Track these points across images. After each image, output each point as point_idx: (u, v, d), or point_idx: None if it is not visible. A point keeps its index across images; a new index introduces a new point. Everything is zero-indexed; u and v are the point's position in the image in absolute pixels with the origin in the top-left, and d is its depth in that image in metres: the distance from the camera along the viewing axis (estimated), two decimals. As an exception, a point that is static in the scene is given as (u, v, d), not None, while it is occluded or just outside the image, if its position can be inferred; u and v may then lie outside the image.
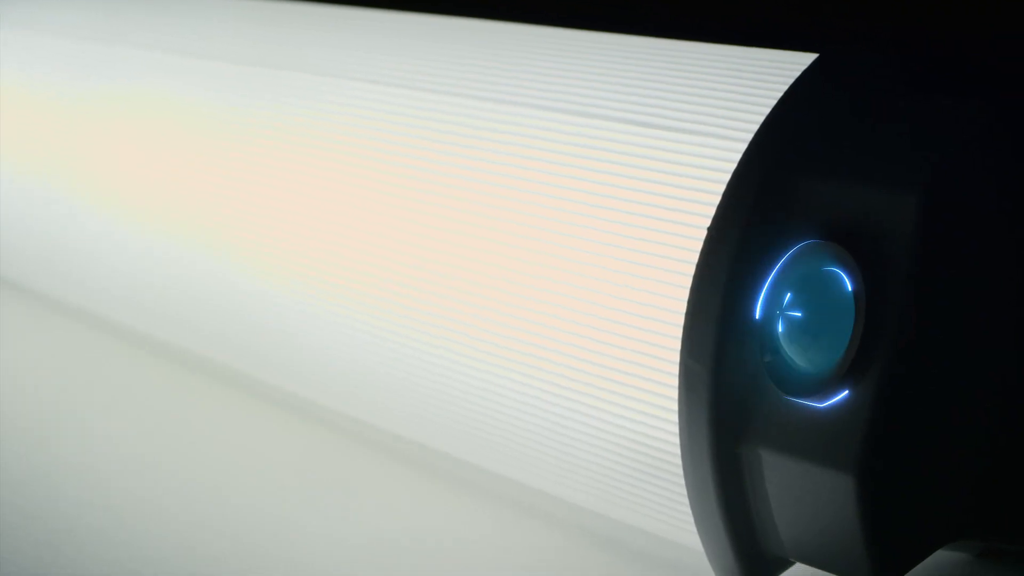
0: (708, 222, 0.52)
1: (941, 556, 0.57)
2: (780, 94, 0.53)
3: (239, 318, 0.69)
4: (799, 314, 0.50)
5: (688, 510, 0.54)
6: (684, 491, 0.54)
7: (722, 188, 0.52)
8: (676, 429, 0.53)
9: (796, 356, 0.50)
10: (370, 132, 0.63)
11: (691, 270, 0.52)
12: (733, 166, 0.52)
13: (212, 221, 0.69)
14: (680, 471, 0.54)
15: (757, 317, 0.51)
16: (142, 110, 0.74)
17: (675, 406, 0.53)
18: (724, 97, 0.55)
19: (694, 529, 0.54)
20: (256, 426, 0.71)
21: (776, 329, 0.51)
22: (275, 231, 0.66)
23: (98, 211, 0.76)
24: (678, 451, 0.53)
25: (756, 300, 0.51)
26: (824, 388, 0.50)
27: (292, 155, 0.66)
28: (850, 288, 0.50)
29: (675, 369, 0.53)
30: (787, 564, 0.55)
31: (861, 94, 0.54)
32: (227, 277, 0.68)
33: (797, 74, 0.54)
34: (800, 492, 0.51)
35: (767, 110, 0.53)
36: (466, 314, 0.59)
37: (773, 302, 0.51)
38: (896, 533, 0.51)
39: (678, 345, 0.52)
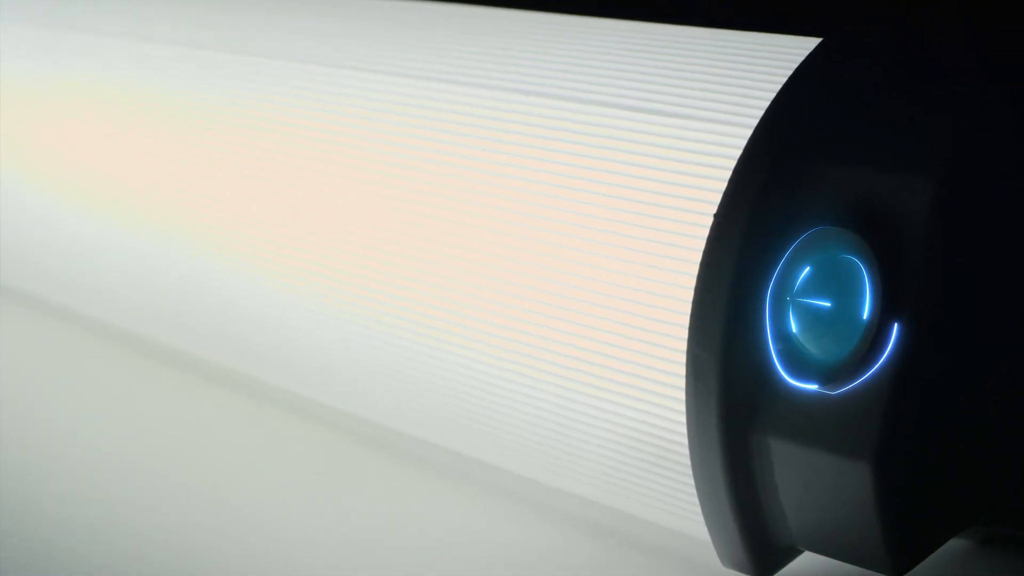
0: (714, 209, 0.52)
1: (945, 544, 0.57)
2: (785, 79, 0.53)
3: (230, 315, 0.68)
4: (811, 301, 0.50)
5: (694, 500, 0.54)
6: (691, 481, 0.53)
7: (727, 174, 0.52)
8: (683, 419, 0.53)
9: (809, 344, 0.50)
10: (374, 124, 0.62)
11: (698, 257, 0.51)
12: (738, 152, 0.52)
13: (196, 216, 0.69)
14: (687, 461, 0.53)
15: (767, 304, 0.51)
16: (125, 104, 0.73)
17: (681, 395, 0.52)
18: (727, 82, 0.54)
19: (699, 519, 0.54)
20: (251, 425, 0.71)
21: (787, 316, 0.51)
22: (261, 225, 0.66)
23: (84, 209, 0.75)
24: (685, 441, 0.53)
25: (766, 287, 0.51)
26: (838, 375, 0.50)
27: (280, 147, 0.65)
28: (864, 274, 0.49)
29: (682, 358, 0.52)
30: (795, 553, 0.55)
31: (870, 78, 0.53)
32: (220, 275, 0.68)
33: (802, 58, 0.53)
34: (814, 481, 0.50)
35: (772, 95, 0.52)
36: (467, 305, 0.58)
37: (783, 289, 0.51)
38: (912, 522, 0.51)
39: (685, 334, 0.52)
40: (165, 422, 0.71)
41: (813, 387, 0.50)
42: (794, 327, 0.50)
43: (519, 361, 0.57)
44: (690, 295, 0.52)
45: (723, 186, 0.52)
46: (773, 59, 0.54)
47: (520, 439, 0.59)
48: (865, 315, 0.49)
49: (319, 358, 0.65)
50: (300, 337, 0.65)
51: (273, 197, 0.65)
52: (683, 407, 0.53)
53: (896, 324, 0.49)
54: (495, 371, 0.58)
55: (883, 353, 0.49)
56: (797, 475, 0.51)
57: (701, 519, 0.54)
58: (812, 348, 0.50)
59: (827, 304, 0.50)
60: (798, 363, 0.50)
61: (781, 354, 0.51)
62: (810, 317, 0.50)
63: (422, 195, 0.60)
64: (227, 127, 0.68)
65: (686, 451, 0.53)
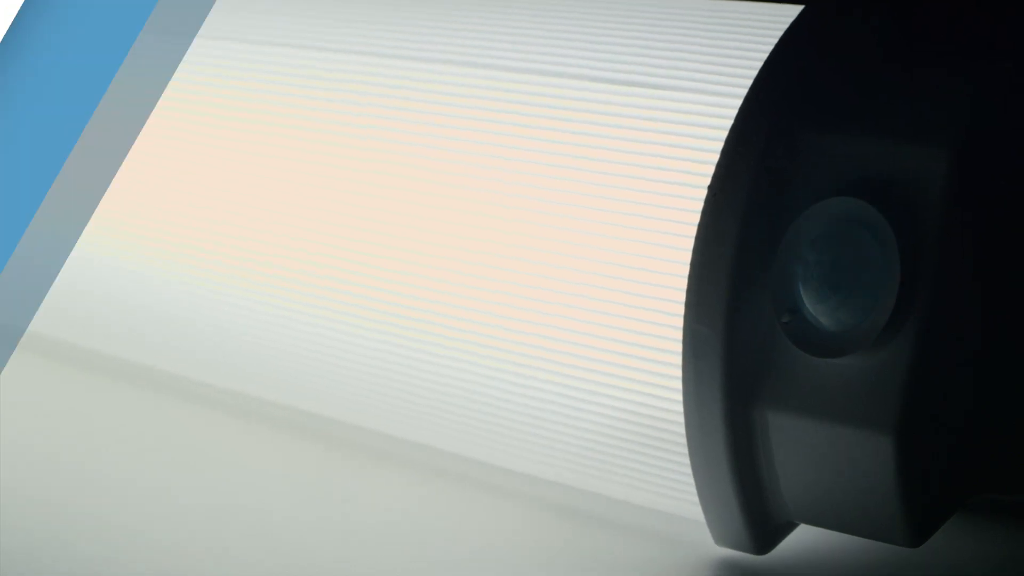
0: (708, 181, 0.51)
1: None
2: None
3: (193, 325, 0.66)
4: (823, 272, 0.49)
5: (687, 479, 0.53)
6: (685, 460, 0.53)
7: (719, 145, 0.51)
8: (677, 396, 0.52)
9: (823, 316, 0.49)
10: (369, 107, 0.60)
11: (693, 231, 0.51)
12: (729, 122, 0.51)
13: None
14: (680, 440, 0.52)
15: (770, 277, 0.50)
16: None
17: (674, 371, 0.51)
18: (717, 51, 0.54)
19: (691, 498, 0.53)
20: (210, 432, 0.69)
21: (795, 288, 0.49)
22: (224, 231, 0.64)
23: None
24: (679, 419, 0.52)
25: (768, 259, 0.50)
26: (854, 347, 0.48)
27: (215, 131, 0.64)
28: (881, 244, 0.48)
29: (676, 335, 0.51)
30: (791, 528, 0.54)
31: (872, 40, 0.52)
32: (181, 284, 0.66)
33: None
34: (827, 455, 0.50)
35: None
36: (450, 281, 0.57)
37: (789, 260, 0.49)
38: (928, 493, 0.50)
39: (678, 309, 0.51)
40: (135, 438, 0.69)
41: (827, 359, 0.49)
42: (807, 299, 0.49)
43: (504, 348, 0.56)
44: (686, 270, 0.51)
45: (715, 157, 0.51)
46: (763, 26, 0.53)
47: (501, 426, 0.58)
48: (882, 285, 0.48)
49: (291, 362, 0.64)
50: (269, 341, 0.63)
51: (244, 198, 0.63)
52: (677, 384, 0.52)
53: (918, 293, 0.48)
54: (477, 355, 0.57)
55: (901, 324, 0.48)
56: (808, 450, 0.50)
57: (693, 498, 0.53)
58: (827, 320, 0.49)
59: (840, 275, 0.49)
60: (809, 337, 0.49)
61: (789, 327, 0.50)
62: (826, 288, 0.49)
63: (403, 178, 0.58)
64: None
65: (680, 429, 0.52)
